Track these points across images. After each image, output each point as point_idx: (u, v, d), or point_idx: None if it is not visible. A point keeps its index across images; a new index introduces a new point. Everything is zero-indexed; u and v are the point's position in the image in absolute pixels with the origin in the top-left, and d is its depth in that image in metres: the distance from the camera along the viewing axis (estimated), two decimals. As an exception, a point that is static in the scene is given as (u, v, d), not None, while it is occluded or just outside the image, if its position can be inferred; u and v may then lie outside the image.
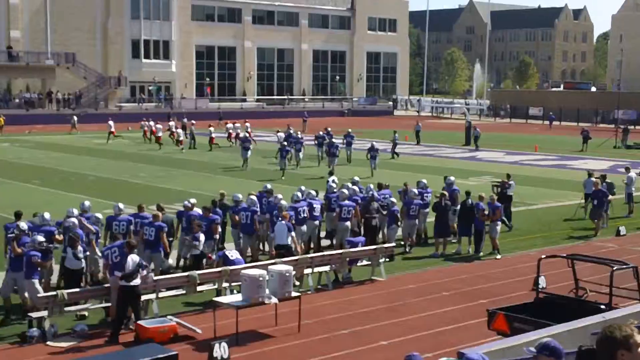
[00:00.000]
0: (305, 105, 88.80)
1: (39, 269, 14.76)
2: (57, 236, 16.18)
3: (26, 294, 14.66)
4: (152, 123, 51.45)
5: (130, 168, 38.46)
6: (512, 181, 25.41)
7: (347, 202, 20.24)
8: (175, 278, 15.75)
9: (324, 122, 59.22)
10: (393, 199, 21.37)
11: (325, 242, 21.13)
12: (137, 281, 13.84)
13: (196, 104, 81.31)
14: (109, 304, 14.28)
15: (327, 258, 17.58)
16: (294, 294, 14.58)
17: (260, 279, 13.91)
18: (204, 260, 17.26)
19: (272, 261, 16.51)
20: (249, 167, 38.02)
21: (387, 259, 19.07)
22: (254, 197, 19.74)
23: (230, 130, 50.80)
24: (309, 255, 17.77)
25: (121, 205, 18.05)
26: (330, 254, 17.87)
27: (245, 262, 16.76)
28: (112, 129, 51.82)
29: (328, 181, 23.12)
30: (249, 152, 38.80)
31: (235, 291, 15.37)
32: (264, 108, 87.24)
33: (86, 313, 14.78)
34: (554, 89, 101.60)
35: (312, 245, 20.34)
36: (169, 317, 14.27)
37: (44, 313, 13.81)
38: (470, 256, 20.77)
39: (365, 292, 17.16)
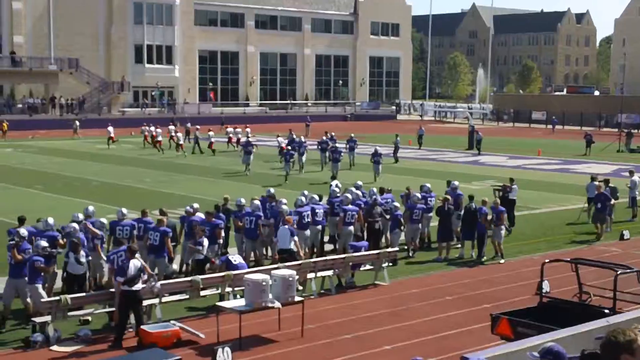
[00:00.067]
0: (308, 110, 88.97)
1: (42, 274, 14.79)
2: (60, 241, 16.20)
3: (28, 300, 14.67)
4: (152, 128, 51.54)
5: (133, 173, 38.49)
6: (515, 185, 25.40)
7: (350, 206, 20.24)
8: (178, 283, 15.75)
9: (327, 126, 59.23)
10: (396, 204, 21.38)
11: (328, 247, 21.12)
12: (138, 286, 13.84)
13: (199, 109, 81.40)
14: (113, 309, 14.28)
15: (330, 263, 17.57)
16: (297, 298, 14.57)
17: (264, 283, 13.91)
18: (207, 265, 17.27)
19: (275, 266, 16.50)
20: (252, 172, 38.03)
21: (391, 264, 19.05)
22: (257, 202, 19.75)
23: (231, 135, 50.88)
24: (312, 260, 17.78)
25: (124, 210, 18.07)
26: (333, 259, 17.86)
27: (249, 267, 16.77)
28: (112, 135, 51.91)
29: (331, 186, 23.13)
30: (251, 157, 38.82)
31: (238, 296, 15.37)
32: (266, 113, 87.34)
33: (89, 318, 14.78)
34: (557, 93, 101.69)
35: (315, 250, 20.34)
36: (172, 321, 14.27)
37: (48, 318, 13.81)
38: (473, 260, 20.74)
39: (368, 297, 17.15)
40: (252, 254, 19.41)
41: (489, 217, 20.68)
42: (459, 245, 21.60)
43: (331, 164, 37.65)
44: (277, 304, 14.07)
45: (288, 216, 18.36)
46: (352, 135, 43.77)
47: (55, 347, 13.54)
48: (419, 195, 21.82)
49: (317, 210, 20.09)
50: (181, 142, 48.39)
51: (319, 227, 20.32)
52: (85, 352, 13.45)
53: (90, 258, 16.11)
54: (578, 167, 43.18)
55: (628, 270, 13.41)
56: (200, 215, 18.69)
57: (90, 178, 36.36)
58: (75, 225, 16.46)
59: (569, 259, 14.55)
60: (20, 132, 61.17)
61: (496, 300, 16.47)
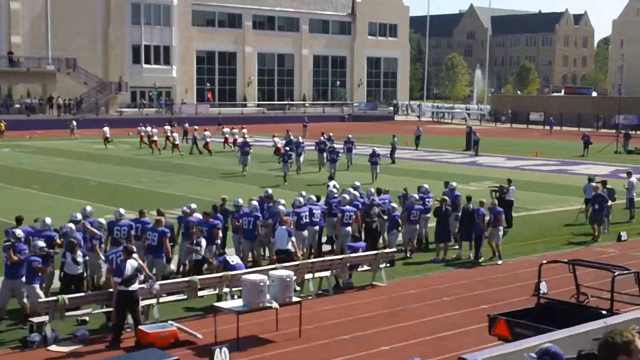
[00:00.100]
0: (305, 111, 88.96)
1: (39, 274, 14.79)
2: (57, 241, 16.20)
3: (25, 300, 14.67)
4: (149, 128, 51.57)
5: (131, 173, 38.48)
6: (513, 186, 25.42)
7: (348, 207, 20.25)
8: (176, 283, 15.75)
9: (325, 127, 59.26)
10: (394, 204, 21.39)
11: (326, 248, 21.13)
12: (135, 286, 13.84)
13: (197, 109, 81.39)
14: (111, 309, 14.28)
15: (328, 263, 17.59)
16: (294, 299, 14.56)
17: (261, 284, 13.91)
18: (205, 265, 17.26)
19: (273, 266, 16.50)
20: (249, 173, 38.01)
21: (388, 264, 19.05)
22: (255, 203, 19.75)
23: (227, 135, 50.89)
24: (309, 261, 17.78)
25: (122, 211, 18.07)
26: (330, 259, 17.87)
27: (246, 267, 16.77)
28: (107, 135, 51.94)
29: (329, 186, 23.14)
30: (249, 158, 38.80)
31: (236, 296, 15.37)
32: (264, 113, 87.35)
33: (87, 318, 14.78)
34: (554, 94, 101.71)
35: (312, 251, 20.34)
36: (169, 322, 14.27)
37: (45, 318, 13.81)
38: (471, 261, 20.75)
39: (366, 298, 17.15)
40: (250, 255, 19.43)
41: (487, 218, 20.70)
42: (457, 246, 21.62)
43: (329, 164, 37.69)
44: (275, 305, 14.07)
45: (286, 217, 18.37)
46: (350, 136, 43.77)
47: (52, 347, 13.53)
48: (416, 196, 21.83)
49: (314, 211, 20.10)
50: (177, 142, 48.37)
51: (317, 227, 20.33)
52: (83, 352, 13.44)
53: (87, 258, 16.12)
54: (576, 168, 43.22)
55: (625, 272, 13.43)
56: (198, 215, 18.68)
57: (87, 178, 36.35)
58: (71, 225, 16.45)
59: (566, 260, 14.57)
60: (18, 132, 61.15)
61: (494, 301, 16.48)
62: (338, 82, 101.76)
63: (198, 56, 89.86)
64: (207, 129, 51.39)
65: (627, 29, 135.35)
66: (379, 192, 22.45)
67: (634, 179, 28.10)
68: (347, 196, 20.81)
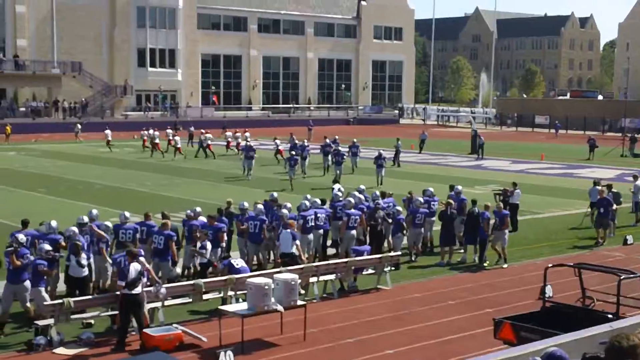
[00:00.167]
0: (310, 114, 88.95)
1: (45, 277, 14.80)
2: (62, 244, 16.21)
3: (28, 304, 14.67)
4: (151, 131, 51.67)
5: (136, 176, 38.52)
6: (519, 189, 25.39)
7: (353, 210, 20.25)
8: (181, 286, 15.76)
9: (330, 130, 59.26)
10: (399, 208, 21.37)
11: (331, 251, 21.13)
12: (138, 289, 13.84)
13: (202, 112, 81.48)
14: (116, 312, 14.28)
15: (333, 266, 17.57)
16: (299, 302, 14.56)
17: (266, 287, 13.91)
18: (210, 269, 17.27)
19: (278, 269, 16.50)
20: (253, 176, 38.00)
21: (393, 268, 19.05)
22: (260, 206, 19.74)
23: (230, 139, 50.92)
24: (314, 264, 17.77)
25: (127, 214, 18.08)
26: (335, 263, 17.86)
27: (251, 271, 16.77)
28: (109, 138, 52.09)
29: (333, 189, 23.13)
30: (253, 162, 38.78)
31: (240, 300, 15.37)
32: (269, 117, 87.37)
33: (92, 321, 14.79)
34: (560, 98, 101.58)
35: (317, 254, 20.33)
36: (174, 325, 14.27)
37: (50, 321, 13.83)
38: (476, 265, 20.73)
39: (370, 301, 17.14)
40: (255, 258, 19.43)
41: (492, 221, 20.66)
42: (462, 250, 21.60)
43: (334, 167, 37.68)
44: (280, 308, 14.07)
45: (291, 220, 18.36)
46: (355, 140, 43.66)
47: (58, 350, 13.55)
48: (421, 199, 21.81)
49: (319, 215, 20.10)
50: (179, 145, 48.38)
51: (321, 231, 20.33)
52: (88, 355, 13.46)
53: (91, 261, 16.13)
54: (581, 172, 43.15)
55: (631, 275, 13.40)
56: (203, 219, 18.69)
57: (93, 181, 36.40)
58: (74, 228, 16.45)
59: (572, 264, 14.55)
60: (24, 136, 61.26)
61: (499, 305, 16.45)
62: (343, 86, 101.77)
63: (203, 59, 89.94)
64: (208, 132, 51.27)
65: (633, 32, 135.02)
66: (383, 195, 22.44)
67: (639, 182, 28.04)
68: (352, 199, 20.82)
